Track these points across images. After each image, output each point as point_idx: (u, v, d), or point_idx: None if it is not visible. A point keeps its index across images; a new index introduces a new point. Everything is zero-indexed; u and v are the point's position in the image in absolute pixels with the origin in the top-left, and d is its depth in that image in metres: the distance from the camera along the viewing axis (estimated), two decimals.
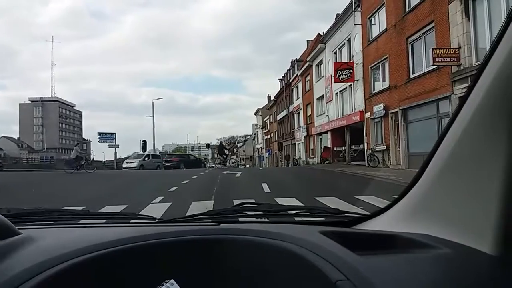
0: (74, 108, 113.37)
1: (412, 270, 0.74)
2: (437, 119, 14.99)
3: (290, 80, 45.29)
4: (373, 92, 21.41)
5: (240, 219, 1.27)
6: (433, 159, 0.93)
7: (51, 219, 1.31)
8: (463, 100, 0.83)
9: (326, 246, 0.81)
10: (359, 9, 22.91)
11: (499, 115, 0.74)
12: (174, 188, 12.14)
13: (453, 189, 0.87)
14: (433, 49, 13.90)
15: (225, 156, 37.99)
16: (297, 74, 41.21)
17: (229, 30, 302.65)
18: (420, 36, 16.49)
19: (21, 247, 0.83)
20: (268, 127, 62.60)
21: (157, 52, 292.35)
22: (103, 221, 1.33)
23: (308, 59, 35.53)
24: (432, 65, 14.40)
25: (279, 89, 53.51)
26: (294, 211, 1.40)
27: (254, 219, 1.28)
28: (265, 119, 65.91)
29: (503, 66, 0.70)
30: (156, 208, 7.80)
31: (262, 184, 12.63)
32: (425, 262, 0.78)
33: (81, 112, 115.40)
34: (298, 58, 45.05)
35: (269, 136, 61.86)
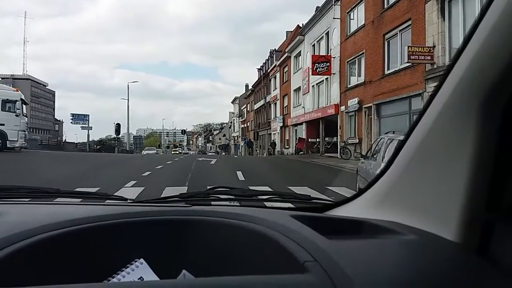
0: (46, 87, 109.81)
1: (378, 254, 0.76)
2: (409, 115, 15.33)
3: (268, 70, 45.23)
4: (349, 86, 21.66)
5: (212, 203, 1.27)
6: (402, 150, 0.97)
7: (19, 195, 1.26)
8: (433, 95, 0.86)
9: (296, 229, 0.83)
10: (339, 3, 23.01)
11: (466, 111, 0.78)
12: (147, 173, 12.01)
13: (420, 179, 0.91)
14: (408, 46, 14.15)
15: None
16: (275, 65, 41.18)
17: (206, 16, 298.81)
18: (397, 34, 16.74)
19: None
20: (245, 116, 62.49)
21: (132, 34, 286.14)
22: (77, 200, 1.30)
23: (286, 50, 35.54)
24: (406, 62, 14.68)
25: (257, 78, 53.37)
26: (266, 196, 1.42)
27: (226, 202, 1.29)
28: (242, 108, 65.75)
29: (471, 65, 0.73)
30: (129, 192, 7.71)
31: (237, 172, 12.67)
32: (391, 247, 0.81)
33: (54, 91, 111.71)
34: (277, 49, 44.96)
35: (245, 125, 61.79)
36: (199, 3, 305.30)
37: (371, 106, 18.51)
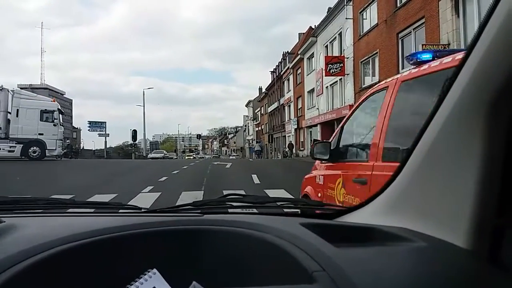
0: (64, 96, 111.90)
1: (387, 262, 0.76)
2: None
3: (282, 73, 45.21)
4: (363, 86, 21.48)
5: (224, 210, 1.29)
6: (412, 154, 0.96)
7: (36, 207, 1.30)
8: (440, 99, 0.85)
9: (305, 238, 0.83)
10: (351, 3, 22.89)
11: (476, 113, 0.77)
12: (164, 178, 12.11)
13: (431, 184, 0.90)
14: (423, 45, 13.97)
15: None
16: (288, 67, 41.14)
17: (218, 21, 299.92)
18: (411, 32, 16.56)
19: (2, 236, 0.82)
20: (259, 119, 62.52)
21: (146, 41, 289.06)
22: (91, 210, 1.33)
23: (299, 52, 35.47)
24: None
25: (271, 81, 53.39)
26: (278, 203, 1.42)
27: (239, 210, 1.30)
28: (256, 111, 65.83)
29: (480, 64, 0.72)
30: (146, 197, 7.80)
31: (252, 175, 12.68)
32: (401, 255, 0.80)
33: (71, 100, 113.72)
34: (289, 51, 44.93)
35: (259, 128, 61.81)
36: (210, 9, 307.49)
37: None
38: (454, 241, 0.81)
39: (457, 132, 0.81)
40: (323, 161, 3.60)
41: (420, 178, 0.94)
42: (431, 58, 2.53)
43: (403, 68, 17.17)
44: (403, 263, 0.77)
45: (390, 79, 2.92)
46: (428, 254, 0.80)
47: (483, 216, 0.78)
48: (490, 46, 0.69)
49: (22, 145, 20.04)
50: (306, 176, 4.15)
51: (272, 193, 8.25)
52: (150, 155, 48.13)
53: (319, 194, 3.56)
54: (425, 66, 2.47)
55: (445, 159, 0.86)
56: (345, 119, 3.51)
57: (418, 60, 2.63)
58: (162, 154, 51.18)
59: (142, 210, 1.27)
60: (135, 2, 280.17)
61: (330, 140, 3.47)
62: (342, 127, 3.42)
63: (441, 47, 13.57)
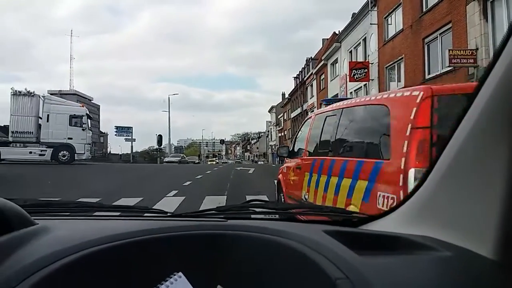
0: (92, 101, 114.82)
1: (411, 271, 0.75)
2: None
3: (305, 78, 45.08)
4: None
5: (247, 216, 1.30)
6: (439, 161, 0.94)
7: (66, 210, 1.34)
8: (467, 106, 0.84)
9: (328, 245, 0.83)
10: (375, 8, 22.66)
11: (502, 120, 0.75)
12: (188, 183, 12.24)
13: (457, 192, 0.89)
14: (449, 50, 13.70)
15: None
16: (311, 73, 40.98)
17: (243, 27, 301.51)
18: (437, 37, 16.24)
19: (37, 237, 0.85)
20: (282, 125, 62.41)
21: (172, 48, 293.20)
22: (117, 214, 1.36)
23: (323, 57, 35.30)
24: (448, 66, 14.19)
25: (294, 87, 53.30)
26: (301, 210, 1.43)
27: (261, 216, 1.31)
28: (279, 117, 65.76)
29: (507, 70, 0.71)
30: (171, 201, 7.90)
31: (275, 181, 12.64)
32: (425, 264, 0.79)
33: (99, 105, 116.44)
34: (313, 57, 44.79)
35: (282, 134, 61.68)
36: (235, 15, 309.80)
37: None
38: (481, 251, 0.79)
39: (484, 139, 0.80)
40: (286, 158, 6.12)
41: (445, 186, 0.92)
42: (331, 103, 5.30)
43: (429, 73, 16.87)
44: (427, 272, 0.77)
45: (312, 113, 5.87)
46: (453, 264, 0.79)
47: (510, 226, 0.76)
48: None
49: (52, 149, 20.69)
50: (280, 167, 6.70)
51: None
52: (166, 159, 43.99)
53: (284, 178, 5.93)
54: (330, 106, 4.82)
55: (471, 167, 0.85)
56: (296, 133, 6.05)
57: (327, 103, 6.17)
58: (179, 158, 46.14)
59: (168, 214, 1.30)
60: (160, 10, 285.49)
61: (289, 146, 6.22)
62: (295, 138, 6.13)
63: (469, 52, 13.27)
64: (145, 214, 1.32)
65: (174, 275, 0.84)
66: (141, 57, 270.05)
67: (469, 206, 0.85)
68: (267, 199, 7.64)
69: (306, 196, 4.59)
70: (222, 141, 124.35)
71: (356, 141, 3.83)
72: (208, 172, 17.87)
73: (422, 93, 2.70)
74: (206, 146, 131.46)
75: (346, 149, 3.93)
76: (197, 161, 54.76)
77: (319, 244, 0.84)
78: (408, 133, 2.65)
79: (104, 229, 0.95)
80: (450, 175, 0.91)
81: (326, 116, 4.60)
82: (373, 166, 3.07)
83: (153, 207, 1.42)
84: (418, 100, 2.68)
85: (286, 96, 59.82)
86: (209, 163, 50.53)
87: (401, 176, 2.62)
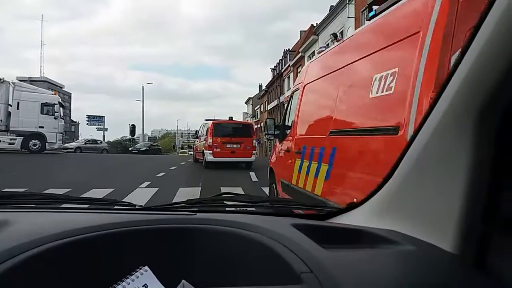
0: (63, 89, 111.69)
1: (374, 265, 0.77)
2: None
3: (282, 70, 45.12)
4: None
5: (218, 209, 1.29)
6: (405, 156, 0.96)
7: (31, 202, 1.30)
8: (431, 106, 0.86)
9: (294, 239, 0.84)
10: (353, 2, 22.84)
11: (466, 118, 0.77)
12: (161, 174, 12.11)
13: (421, 187, 0.91)
14: None
15: None
16: (289, 65, 41.06)
17: (219, 16, 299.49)
18: None
19: None
20: (259, 117, 62.41)
21: (146, 36, 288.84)
22: (85, 206, 1.33)
23: (300, 50, 35.40)
24: None
25: (271, 78, 53.28)
26: (272, 203, 1.43)
27: (232, 209, 1.31)
28: (255, 108, 65.71)
29: (473, 69, 0.72)
30: (144, 193, 7.79)
31: (250, 173, 12.68)
32: (388, 258, 0.81)
33: (70, 93, 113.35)
34: (290, 49, 44.82)
35: (259, 126, 61.73)
36: (211, 3, 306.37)
37: None
38: (442, 245, 0.82)
39: (448, 136, 0.82)
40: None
41: (410, 182, 0.94)
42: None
43: None
44: (390, 266, 0.78)
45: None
46: (415, 258, 0.81)
47: (470, 221, 0.78)
48: (483, 50, 0.69)
49: (22, 137, 20.03)
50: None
51: (268, 190, 8.25)
52: (132, 148, 40.33)
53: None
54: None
55: (435, 163, 0.87)
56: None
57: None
58: (147, 147, 41.17)
59: (136, 207, 1.27)
60: None
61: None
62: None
63: None
64: (114, 207, 1.29)
65: (140, 269, 0.83)
66: (114, 44, 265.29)
67: (432, 201, 0.87)
68: (242, 191, 7.65)
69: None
70: (197, 132, 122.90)
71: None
72: (183, 163, 17.72)
73: None
74: (181, 137, 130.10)
75: None
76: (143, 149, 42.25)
77: (285, 237, 0.84)
78: None
79: (70, 222, 0.93)
80: (415, 170, 0.92)
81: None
82: None
83: (124, 199, 1.39)
84: None
85: (263, 87, 59.76)
86: (180, 155, 40.90)
87: None
